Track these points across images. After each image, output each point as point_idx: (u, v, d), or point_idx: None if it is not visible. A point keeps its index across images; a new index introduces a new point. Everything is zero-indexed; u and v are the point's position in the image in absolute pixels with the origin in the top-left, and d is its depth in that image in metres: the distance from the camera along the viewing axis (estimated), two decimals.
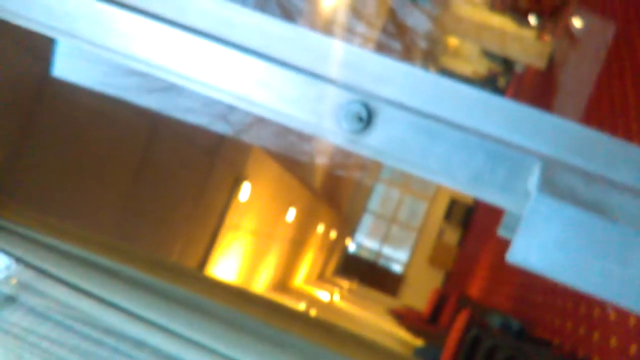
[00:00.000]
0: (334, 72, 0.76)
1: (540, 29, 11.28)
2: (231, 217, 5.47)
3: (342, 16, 7.52)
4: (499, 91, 16.99)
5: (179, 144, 3.91)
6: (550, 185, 0.67)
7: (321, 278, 15.07)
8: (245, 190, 5.50)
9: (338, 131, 0.75)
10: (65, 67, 1.32)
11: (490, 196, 0.72)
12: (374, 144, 0.74)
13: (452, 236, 19.43)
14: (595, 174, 0.72)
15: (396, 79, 0.75)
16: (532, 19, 10.27)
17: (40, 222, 1.41)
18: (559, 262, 0.62)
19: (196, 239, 5.04)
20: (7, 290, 1.36)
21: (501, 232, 0.81)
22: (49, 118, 2.29)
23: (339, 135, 0.75)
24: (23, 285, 1.36)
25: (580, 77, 7.55)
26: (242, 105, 0.77)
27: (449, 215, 19.35)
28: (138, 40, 0.76)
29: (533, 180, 0.69)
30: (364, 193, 18.89)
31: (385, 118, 0.74)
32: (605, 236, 0.62)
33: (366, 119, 0.74)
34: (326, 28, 7.19)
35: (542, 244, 0.62)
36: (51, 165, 2.50)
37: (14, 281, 1.39)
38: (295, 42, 0.77)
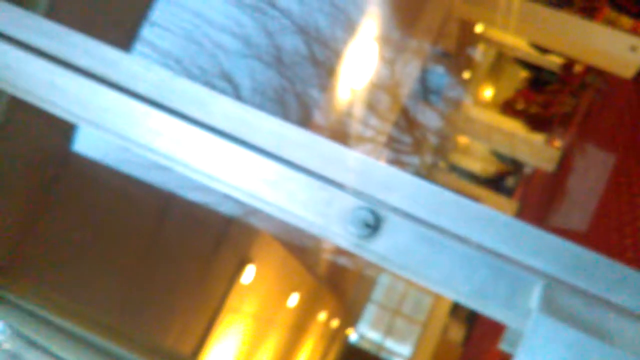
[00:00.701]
0: (344, 177, 0.79)
1: (550, 134, 11.52)
2: (232, 300, 5.41)
3: (357, 109, 7.76)
4: (508, 191, 17.10)
5: (188, 224, 3.95)
6: (551, 306, 0.68)
7: None
8: (249, 273, 5.47)
9: (345, 235, 0.77)
10: (86, 143, 1.35)
11: (492, 311, 0.72)
12: (379, 250, 0.76)
13: (457, 333, 18.93)
14: (596, 296, 0.72)
15: (404, 188, 0.78)
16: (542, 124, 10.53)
17: (43, 297, 1.41)
18: None
19: (196, 320, 4.96)
20: None
21: (502, 346, 0.81)
22: (65, 194, 2.35)
23: (345, 239, 0.77)
24: (12, 354, 1.34)
25: (589, 183, 7.62)
26: (254, 203, 0.80)
27: (454, 310, 18.94)
28: (163, 136, 0.81)
29: (534, 298, 0.70)
30: (369, 283, 18.63)
31: (392, 226, 0.76)
32: None
33: (373, 226, 0.76)
34: (341, 120, 7.40)
35: None
36: (62, 241, 2.53)
37: (5, 345, 1.37)
38: (309, 147, 0.81)
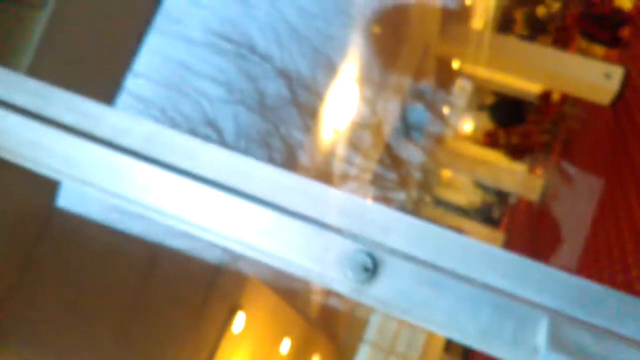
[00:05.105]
0: (340, 221, 0.78)
1: (533, 163, 11.65)
2: (224, 349, 5.29)
3: (340, 149, 7.80)
4: (494, 221, 17.15)
5: (175, 275, 3.89)
6: (558, 342, 0.66)
7: None
8: (239, 321, 5.37)
9: (344, 280, 0.75)
10: (70, 198, 1.33)
11: (499, 351, 0.70)
12: (379, 294, 0.74)
13: None
14: (603, 329, 0.71)
15: (401, 229, 0.77)
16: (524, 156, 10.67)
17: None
18: None
19: None
20: None
21: None
22: (51, 251, 2.30)
23: (344, 285, 0.75)
24: None
25: (573, 211, 7.67)
26: (249, 253, 0.78)
27: (448, 346, 18.70)
28: (152, 190, 0.79)
29: (541, 335, 0.68)
30: (361, 323, 18.39)
31: (391, 269, 0.74)
32: None
33: (372, 269, 0.74)
34: (325, 160, 7.42)
35: None
36: (49, 299, 2.47)
37: None
38: (302, 192, 0.80)
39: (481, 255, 0.73)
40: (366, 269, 0.74)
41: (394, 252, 0.75)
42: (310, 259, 0.77)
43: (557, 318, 0.70)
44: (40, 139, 0.87)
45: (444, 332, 0.72)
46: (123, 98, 3.59)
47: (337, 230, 0.77)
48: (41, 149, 0.86)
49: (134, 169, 0.81)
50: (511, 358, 0.70)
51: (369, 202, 0.79)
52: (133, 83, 3.67)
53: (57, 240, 2.38)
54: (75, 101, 0.90)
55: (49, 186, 2.31)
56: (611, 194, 6.20)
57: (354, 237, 0.77)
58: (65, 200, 2.44)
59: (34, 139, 0.87)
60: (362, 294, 0.75)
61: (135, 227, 3.07)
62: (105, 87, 2.67)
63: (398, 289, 0.74)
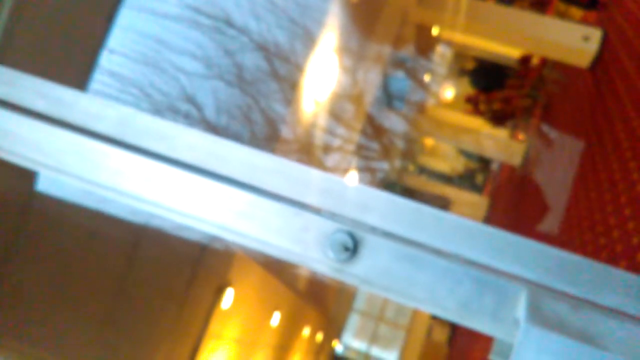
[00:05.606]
0: (319, 201, 0.78)
1: (514, 128, 11.72)
2: (214, 326, 5.33)
3: (322, 120, 7.77)
4: (477, 187, 17.31)
5: (161, 255, 3.88)
6: (538, 314, 0.67)
7: None
8: (228, 297, 5.41)
9: (324, 260, 0.76)
10: (50, 181, 1.32)
11: (479, 325, 0.71)
12: (360, 273, 0.74)
13: (441, 334, 19.02)
14: (582, 299, 0.72)
15: (380, 207, 0.77)
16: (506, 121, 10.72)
17: (18, 352, 1.36)
18: None
19: (177, 351, 4.87)
20: None
21: (493, 357, 0.80)
22: (33, 238, 2.28)
23: (325, 264, 0.75)
24: None
25: (555, 175, 7.75)
26: (229, 236, 0.78)
27: None
28: (128, 176, 0.78)
29: (521, 308, 0.69)
30: (350, 293, 18.61)
31: (371, 247, 0.74)
32: None
33: (352, 248, 0.75)
34: (308, 132, 7.40)
35: None
36: (33, 287, 2.45)
37: None
38: (280, 173, 0.79)
39: (459, 229, 0.73)
40: (346, 248, 0.74)
41: (373, 230, 0.75)
42: (290, 240, 0.76)
43: (536, 290, 0.71)
44: (10, 127, 0.85)
45: (425, 308, 0.73)
46: (98, 76, 3.53)
47: (316, 211, 0.77)
48: (12, 138, 0.85)
49: (108, 155, 0.79)
50: (492, 331, 0.71)
51: (347, 181, 0.78)
52: (108, 61, 3.60)
53: (38, 226, 2.35)
54: (46, 87, 0.88)
55: (28, 170, 2.27)
56: (592, 157, 6.27)
57: (333, 216, 0.76)
58: (45, 184, 2.40)
59: (4, 127, 0.85)
60: (343, 273, 0.75)
61: (117, 209, 3.05)
62: (78, 66, 2.62)
63: (378, 266, 0.74)
